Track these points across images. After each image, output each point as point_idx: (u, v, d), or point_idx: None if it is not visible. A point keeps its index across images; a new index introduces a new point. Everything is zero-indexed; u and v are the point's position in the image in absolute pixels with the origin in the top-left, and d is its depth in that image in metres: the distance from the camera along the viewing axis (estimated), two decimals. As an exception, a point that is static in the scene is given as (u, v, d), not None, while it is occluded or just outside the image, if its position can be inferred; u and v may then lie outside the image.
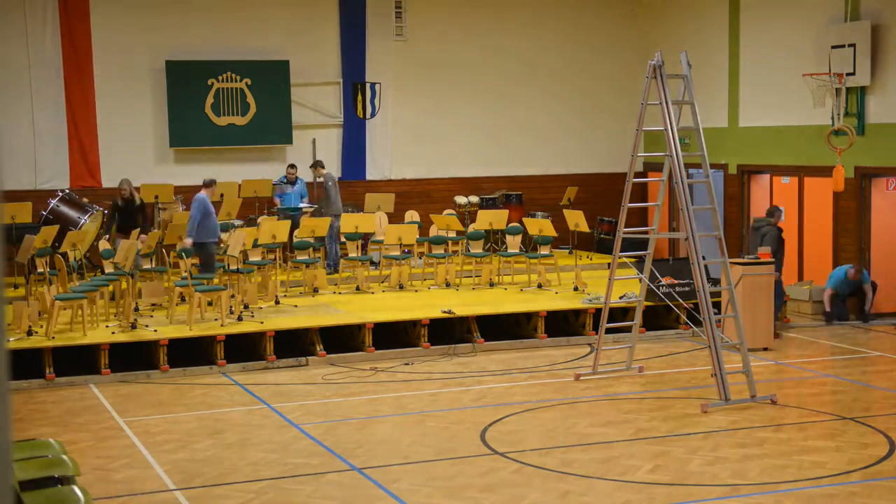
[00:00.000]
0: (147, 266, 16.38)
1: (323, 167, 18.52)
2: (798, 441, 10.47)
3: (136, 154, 19.59)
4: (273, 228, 16.45)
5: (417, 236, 18.18)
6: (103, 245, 16.42)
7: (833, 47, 17.07)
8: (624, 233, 13.12)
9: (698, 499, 8.94)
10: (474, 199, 20.43)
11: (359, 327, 14.74)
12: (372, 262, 18.24)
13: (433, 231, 18.76)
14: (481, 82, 21.48)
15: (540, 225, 17.99)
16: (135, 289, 15.46)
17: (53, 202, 17.91)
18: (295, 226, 17.85)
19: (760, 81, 19.25)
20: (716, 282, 14.88)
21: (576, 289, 16.85)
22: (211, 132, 19.87)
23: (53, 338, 13.71)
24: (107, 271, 15.99)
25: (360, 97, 20.83)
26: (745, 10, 19.55)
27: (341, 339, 14.81)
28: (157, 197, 18.52)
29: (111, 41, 19.34)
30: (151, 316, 15.22)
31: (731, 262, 13.31)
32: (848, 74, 16.85)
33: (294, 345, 14.64)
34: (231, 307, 15.03)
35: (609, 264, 14.39)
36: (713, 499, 8.94)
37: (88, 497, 6.97)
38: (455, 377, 13.54)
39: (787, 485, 9.16)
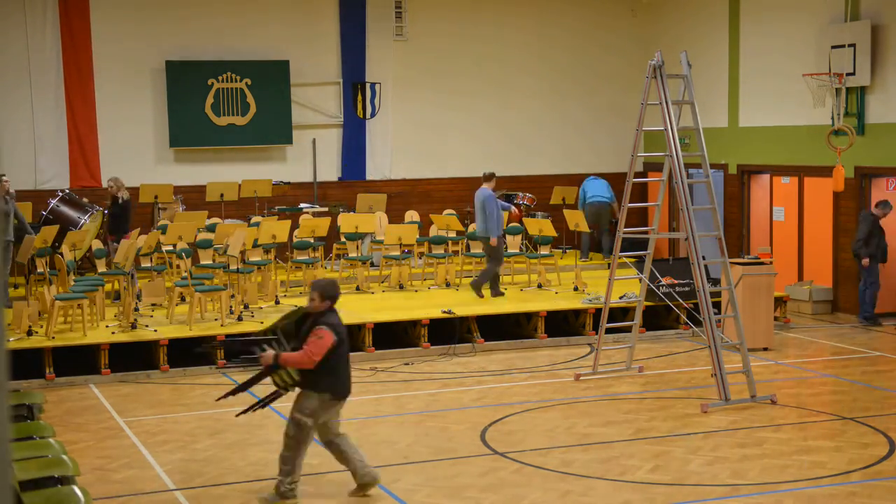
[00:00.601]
0: (146, 265, 16.36)
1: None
2: (798, 441, 10.47)
3: (136, 154, 19.59)
4: (273, 228, 16.44)
5: (417, 236, 18.18)
6: (96, 244, 16.42)
7: (833, 47, 17.07)
8: (624, 233, 13.12)
9: (698, 499, 8.94)
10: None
11: (359, 327, 14.73)
12: (372, 264, 18.24)
13: (433, 231, 18.76)
14: (481, 82, 21.48)
15: (540, 225, 17.99)
16: (134, 288, 15.46)
17: (53, 202, 17.90)
18: None
19: (760, 81, 19.25)
20: (716, 282, 14.88)
21: (576, 289, 16.85)
22: (211, 132, 19.87)
23: (53, 338, 13.71)
24: (100, 270, 16.02)
25: (360, 97, 20.83)
26: (745, 10, 19.55)
27: (341, 339, 14.78)
28: (156, 197, 18.52)
29: (111, 41, 19.33)
30: (151, 316, 15.21)
31: (731, 262, 13.31)
32: (848, 74, 16.85)
33: (294, 345, 14.61)
34: (231, 307, 15.03)
35: (609, 264, 14.39)
36: (713, 499, 8.94)
37: (88, 497, 6.97)
38: (455, 377, 13.54)
39: (787, 485, 9.16)
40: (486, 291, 16.44)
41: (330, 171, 20.77)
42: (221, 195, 18.77)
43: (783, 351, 14.85)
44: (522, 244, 18.82)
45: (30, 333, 13.85)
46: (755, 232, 19.50)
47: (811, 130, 17.98)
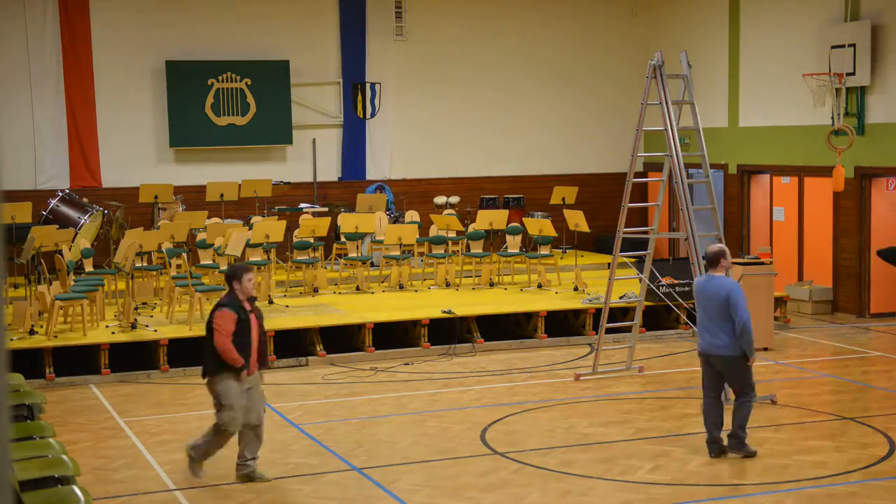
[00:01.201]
0: (139, 265, 16.31)
1: None
2: (798, 441, 10.47)
3: (136, 154, 19.59)
4: (266, 228, 16.43)
5: (417, 236, 18.18)
6: (83, 244, 16.43)
7: (833, 47, 17.07)
8: (624, 233, 13.12)
9: (698, 499, 8.94)
10: (454, 199, 20.38)
11: (359, 327, 14.74)
12: (372, 264, 18.24)
13: (433, 231, 18.76)
14: (481, 82, 21.48)
15: (540, 225, 17.99)
16: (131, 288, 15.46)
17: (53, 202, 17.91)
18: None
19: (760, 81, 19.25)
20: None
21: (576, 289, 16.85)
22: (211, 132, 19.87)
23: (56, 336, 13.71)
24: (88, 270, 16.05)
25: (360, 97, 20.83)
26: (744, 10, 19.55)
27: (341, 339, 14.81)
28: (156, 197, 18.52)
29: (111, 41, 19.34)
30: (151, 316, 15.22)
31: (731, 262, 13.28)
32: (848, 74, 16.85)
33: (294, 345, 14.64)
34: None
35: (609, 264, 14.39)
36: (713, 499, 8.94)
37: (88, 497, 6.97)
38: (455, 377, 13.54)
39: (787, 485, 9.16)
40: None
41: (330, 171, 20.77)
42: (221, 195, 18.77)
43: (783, 351, 14.84)
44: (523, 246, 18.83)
45: (32, 333, 13.87)
46: (755, 232, 19.50)
47: (811, 130, 17.98)
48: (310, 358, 14.34)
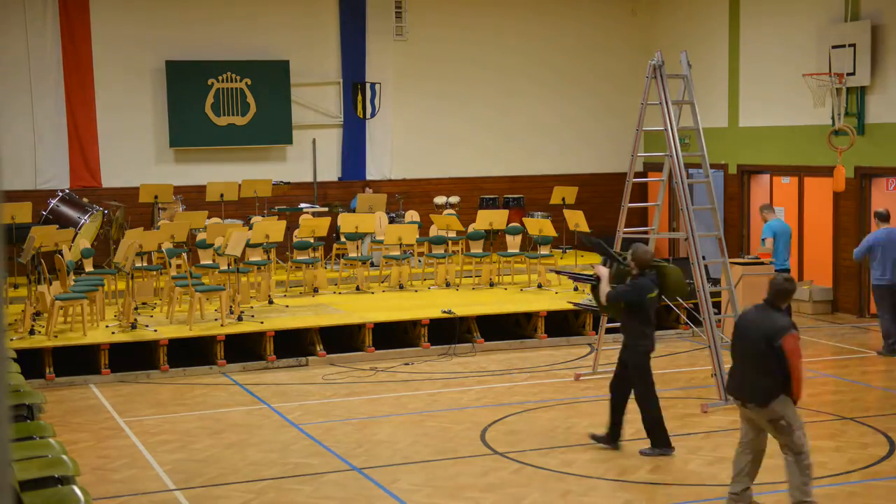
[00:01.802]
0: (139, 265, 16.31)
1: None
2: (798, 441, 10.46)
3: (136, 154, 19.59)
4: (266, 228, 16.43)
5: (417, 236, 18.18)
6: (83, 244, 16.44)
7: (833, 47, 17.07)
8: (624, 233, 13.12)
9: (698, 499, 8.94)
10: (454, 199, 20.38)
11: (359, 327, 14.74)
12: (372, 264, 18.24)
13: (433, 231, 18.76)
14: (481, 82, 21.48)
15: (540, 225, 17.99)
16: (131, 288, 15.46)
17: (53, 202, 17.91)
18: None
19: (760, 81, 19.25)
20: (716, 282, 14.88)
21: (576, 289, 16.85)
22: (211, 132, 19.87)
23: (56, 336, 13.71)
24: (87, 270, 16.06)
25: (360, 97, 20.83)
26: (744, 10, 19.55)
27: (341, 339, 14.81)
28: (156, 197, 18.52)
29: (111, 41, 19.33)
30: (151, 316, 15.22)
31: (730, 262, 13.31)
32: (848, 74, 16.85)
33: (294, 345, 14.64)
34: (231, 307, 15.04)
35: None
36: (713, 499, 8.94)
37: (88, 497, 6.97)
38: (455, 377, 13.54)
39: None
40: None
41: (330, 171, 20.77)
42: (221, 195, 18.77)
43: (783, 351, 14.81)
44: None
45: (32, 333, 13.87)
46: (755, 232, 19.49)
47: (811, 130, 17.98)
48: (310, 358, 14.34)
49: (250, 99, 20.00)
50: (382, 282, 17.81)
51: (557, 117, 21.97)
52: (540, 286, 17.35)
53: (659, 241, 19.75)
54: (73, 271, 15.22)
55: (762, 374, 8.21)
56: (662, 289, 10.21)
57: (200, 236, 16.92)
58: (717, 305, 15.28)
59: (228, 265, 16.21)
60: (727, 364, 12.18)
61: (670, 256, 20.06)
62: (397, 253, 17.84)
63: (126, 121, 19.50)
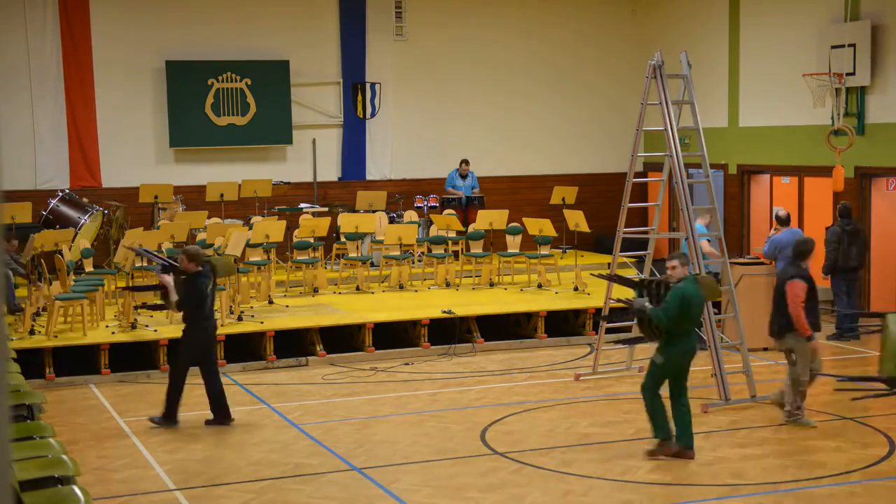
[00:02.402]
0: (139, 265, 16.30)
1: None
2: (798, 441, 10.47)
3: (136, 154, 19.59)
4: (266, 228, 16.43)
5: (417, 236, 18.18)
6: (83, 244, 16.44)
7: (833, 47, 17.07)
8: (624, 233, 13.12)
9: (698, 499, 8.94)
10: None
11: (359, 327, 14.74)
12: (372, 264, 18.24)
13: (433, 231, 18.75)
14: (481, 82, 21.48)
15: (540, 225, 17.99)
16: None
17: (53, 202, 17.91)
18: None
19: (760, 81, 19.25)
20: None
21: (576, 289, 16.85)
22: (211, 132, 19.87)
23: (56, 336, 13.71)
24: (87, 270, 16.06)
25: (360, 97, 20.83)
26: (744, 10, 19.55)
27: (341, 339, 14.81)
28: (156, 197, 18.52)
29: (111, 41, 19.34)
30: (151, 316, 15.22)
31: (730, 262, 13.31)
32: (848, 74, 16.86)
33: (294, 345, 14.64)
34: (231, 307, 15.04)
35: (609, 264, 14.38)
36: (713, 499, 8.94)
37: (88, 497, 6.97)
38: (455, 377, 13.54)
39: (787, 485, 9.16)
40: None
41: (330, 171, 20.77)
42: (221, 195, 18.77)
43: (783, 351, 14.82)
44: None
45: (32, 332, 13.87)
46: (755, 232, 19.49)
47: (811, 130, 17.98)
48: (310, 358, 14.34)
49: (250, 99, 20.00)
50: (382, 282, 17.81)
51: (557, 117, 21.97)
52: (540, 286, 17.35)
53: (659, 240, 19.74)
54: (73, 271, 15.22)
55: (779, 314, 10.85)
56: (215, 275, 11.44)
57: (200, 236, 16.92)
58: (717, 305, 15.27)
59: (237, 267, 16.15)
60: (727, 364, 12.20)
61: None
62: (397, 253, 17.84)
63: (126, 121, 19.50)
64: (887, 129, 16.82)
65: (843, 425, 11.09)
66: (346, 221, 17.74)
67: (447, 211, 19.46)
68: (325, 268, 18.21)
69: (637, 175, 14.88)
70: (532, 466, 9.76)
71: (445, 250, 18.39)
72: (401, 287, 17.40)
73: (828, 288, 16.34)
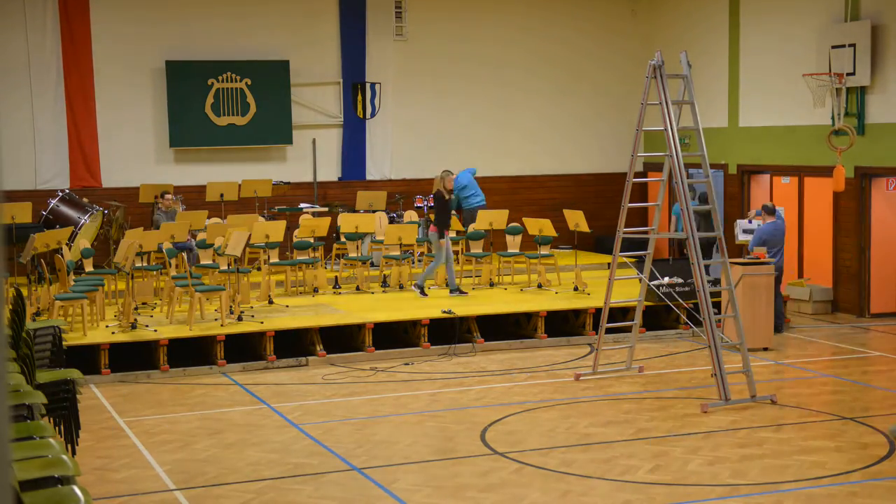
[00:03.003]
0: (139, 265, 16.31)
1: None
2: (798, 441, 10.47)
3: (136, 154, 19.60)
4: (266, 228, 16.43)
5: (417, 236, 18.17)
6: (83, 244, 16.45)
7: (833, 47, 17.07)
8: (624, 233, 13.12)
9: (698, 499, 8.94)
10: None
11: (359, 327, 14.74)
12: (372, 264, 18.24)
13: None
14: (481, 82, 21.48)
15: (540, 225, 17.98)
16: (131, 288, 15.47)
17: (53, 202, 17.91)
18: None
19: (760, 81, 19.25)
20: (716, 282, 14.88)
21: (576, 289, 16.85)
22: (211, 132, 19.87)
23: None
24: (88, 270, 16.06)
25: (360, 97, 20.83)
26: (744, 10, 19.55)
27: (341, 339, 14.81)
28: (156, 197, 18.52)
29: (111, 41, 19.34)
30: (151, 316, 15.22)
31: (731, 262, 13.31)
32: (848, 74, 16.85)
33: (294, 345, 14.64)
34: (231, 307, 15.04)
35: (609, 264, 14.39)
36: (713, 499, 8.94)
37: (88, 497, 6.97)
38: (455, 377, 13.54)
39: (787, 485, 9.16)
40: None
41: (330, 171, 20.77)
42: (221, 195, 18.77)
43: (783, 351, 14.85)
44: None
45: (30, 333, 13.88)
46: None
47: (811, 130, 17.98)
48: (310, 358, 14.34)
49: (250, 99, 20.00)
50: (383, 282, 17.78)
51: (558, 117, 21.97)
52: (540, 286, 17.35)
53: (659, 240, 19.75)
54: (73, 271, 15.22)
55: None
56: None
57: (200, 236, 16.92)
58: (717, 305, 15.29)
59: (228, 265, 16.21)
60: (727, 364, 12.20)
61: (670, 256, 20.05)
62: (397, 253, 17.83)
63: (126, 121, 19.50)
64: (887, 129, 16.82)
65: (843, 425, 11.09)
66: (346, 221, 17.74)
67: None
68: (325, 268, 18.21)
69: (637, 175, 14.88)
70: (532, 466, 9.76)
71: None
72: (401, 287, 17.40)
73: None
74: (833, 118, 17.11)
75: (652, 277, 13.76)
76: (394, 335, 15.11)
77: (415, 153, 21.18)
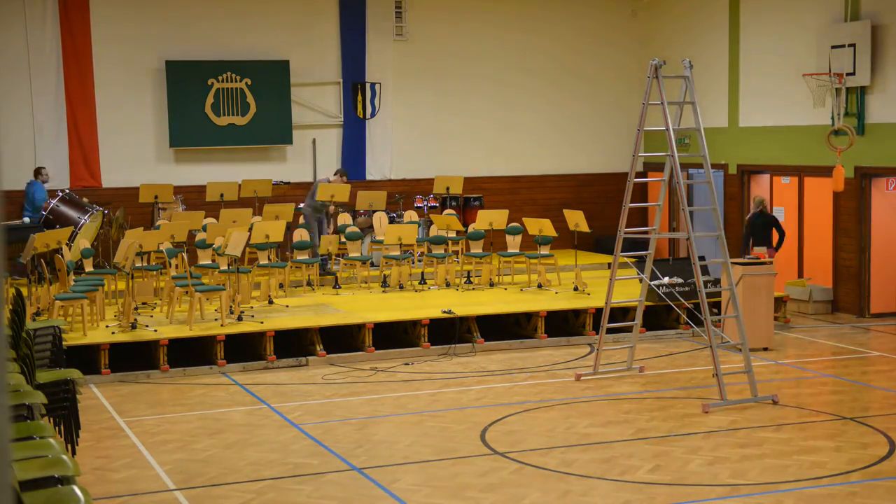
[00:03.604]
0: (139, 265, 16.29)
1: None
2: (798, 441, 10.47)
3: (137, 154, 19.59)
4: (266, 229, 16.42)
5: (417, 236, 18.17)
6: (83, 244, 16.45)
7: (833, 47, 17.07)
8: (625, 233, 13.12)
9: (698, 499, 8.94)
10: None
11: (359, 327, 14.74)
12: (372, 264, 18.24)
13: (433, 231, 18.75)
14: (482, 82, 21.48)
15: (540, 225, 17.98)
16: (131, 288, 15.47)
17: (53, 202, 17.91)
18: None
19: (760, 81, 19.25)
20: (716, 282, 14.87)
21: (576, 289, 16.85)
22: (211, 132, 19.87)
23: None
24: (88, 270, 16.07)
25: (360, 97, 20.82)
26: (744, 10, 19.55)
27: (341, 339, 14.81)
28: (156, 197, 18.52)
29: (111, 41, 19.34)
30: (151, 316, 15.22)
31: (731, 262, 13.31)
32: (848, 74, 16.85)
33: (294, 345, 14.64)
34: (231, 307, 15.04)
35: (609, 264, 14.39)
36: (713, 499, 8.94)
37: (88, 497, 6.96)
38: (455, 377, 13.54)
39: (787, 485, 9.16)
40: None
41: (330, 171, 20.73)
42: (221, 195, 18.77)
43: (783, 351, 14.85)
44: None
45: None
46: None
47: (811, 130, 17.98)
48: (310, 358, 14.34)
49: (250, 99, 20.00)
50: (382, 282, 17.77)
51: (558, 117, 21.97)
52: (540, 286, 17.35)
53: (659, 240, 19.75)
54: (73, 271, 15.22)
55: None
56: None
57: (200, 236, 16.91)
58: (717, 305, 15.28)
59: (228, 265, 16.21)
60: (729, 364, 12.20)
61: (670, 256, 20.06)
62: (397, 253, 17.83)
63: (126, 120, 19.50)
64: (887, 129, 16.82)
65: (843, 425, 11.09)
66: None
67: (447, 211, 19.47)
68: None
69: (637, 175, 14.88)
70: (532, 466, 9.76)
71: (445, 250, 18.39)
72: (401, 287, 17.40)
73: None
74: (833, 118, 17.11)
75: (652, 277, 13.76)
76: (394, 335, 15.11)
77: (415, 153, 21.18)
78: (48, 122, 18.97)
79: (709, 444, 10.37)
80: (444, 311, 15.12)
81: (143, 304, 16.01)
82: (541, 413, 11.72)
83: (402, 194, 20.53)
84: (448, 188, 19.64)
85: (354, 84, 20.77)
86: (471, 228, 18.48)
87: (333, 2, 20.53)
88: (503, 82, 21.60)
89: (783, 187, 18.90)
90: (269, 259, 17.11)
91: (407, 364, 14.26)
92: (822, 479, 9.29)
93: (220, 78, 19.85)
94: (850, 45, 16.86)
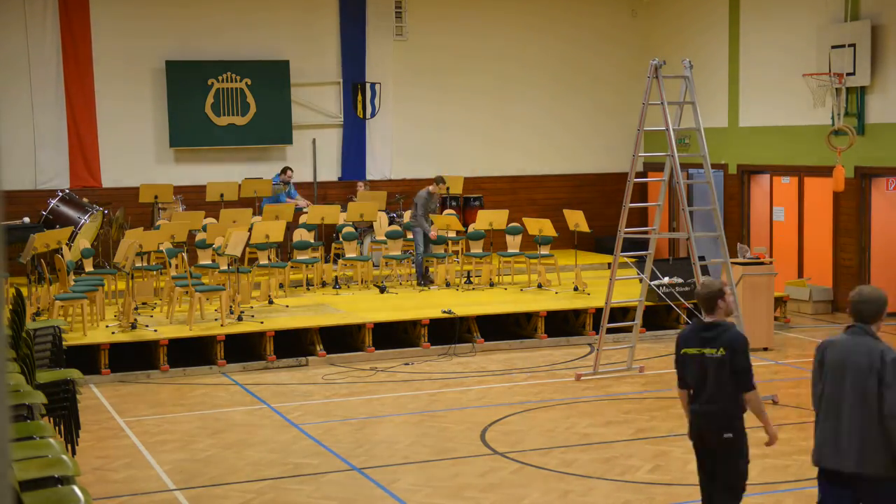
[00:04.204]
0: (139, 265, 16.29)
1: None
2: (798, 441, 10.46)
3: (136, 154, 19.59)
4: (266, 229, 16.42)
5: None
6: (83, 244, 16.45)
7: (833, 47, 17.07)
8: (625, 233, 13.12)
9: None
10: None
11: (359, 327, 14.74)
12: (374, 265, 18.24)
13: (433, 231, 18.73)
14: (482, 82, 21.47)
15: (540, 225, 17.98)
16: (131, 288, 15.47)
17: (53, 202, 17.90)
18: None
19: (760, 81, 19.25)
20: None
21: (576, 289, 16.84)
22: (211, 132, 19.86)
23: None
24: (88, 270, 16.07)
25: (360, 97, 20.82)
26: (744, 10, 19.55)
27: (341, 339, 14.81)
28: (156, 197, 18.52)
29: (111, 41, 19.33)
30: (151, 316, 15.22)
31: (731, 262, 13.31)
32: (848, 74, 16.85)
33: (294, 345, 14.64)
34: (231, 307, 15.04)
35: (609, 264, 14.39)
36: (713, 499, 8.92)
37: (88, 497, 6.96)
38: (455, 377, 13.54)
39: (787, 485, 9.16)
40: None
41: (330, 170, 20.77)
42: (221, 195, 18.76)
43: (783, 351, 14.84)
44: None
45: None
46: (755, 232, 19.50)
47: (811, 130, 17.98)
48: (310, 358, 14.34)
49: (250, 99, 20.00)
50: (383, 287, 17.77)
51: (558, 117, 21.97)
52: (540, 286, 17.35)
53: (659, 240, 19.74)
54: (73, 271, 15.22)
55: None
56: None
57: (200, 236, 16.91)
58: (717, 305, 15.23)
59: (228, 265, 16.21)
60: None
61: (670, 256, 20.05)
62: (397, 253, 17.82)
63: (126, 121, 19.49)
64: (887, 129, 16.82)
65: (844, 425, 11.08)
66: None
67: (447, 211, 19.47)
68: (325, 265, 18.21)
69: (637, 175, 14.87)
70: (532, 466, 9.76)
71: (445, 250, 18.39)
72: (448, 285, 17.42)
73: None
74: (833, 118, 17.11)
75: (652, 277, 13.75)
76: (394, 335, 15.11)
77: (415, 153, 21.17)
78: (48, 122, 18.96)
79: (709, 444, 10.35)
80: (444, 311, 15.12)
81: (143, 304, 16.02)
82: (541, 413, 11.72)
83: (402, 194, 20.53)
84: (448, 188, 19.65)
85: (354, 84, 20.77)
86: (471, 228, 18.47)
87: (333, 1, 20.53)
88: (503, 81, 21.60)
89: (783, 187, 18.89)
90: (269, 259, 17.11)
91: (407, 364, 14.26)
92: (822, 479, 9.28)
93: (220, 78, 19.84)
94: (850, 45, 16.86)
